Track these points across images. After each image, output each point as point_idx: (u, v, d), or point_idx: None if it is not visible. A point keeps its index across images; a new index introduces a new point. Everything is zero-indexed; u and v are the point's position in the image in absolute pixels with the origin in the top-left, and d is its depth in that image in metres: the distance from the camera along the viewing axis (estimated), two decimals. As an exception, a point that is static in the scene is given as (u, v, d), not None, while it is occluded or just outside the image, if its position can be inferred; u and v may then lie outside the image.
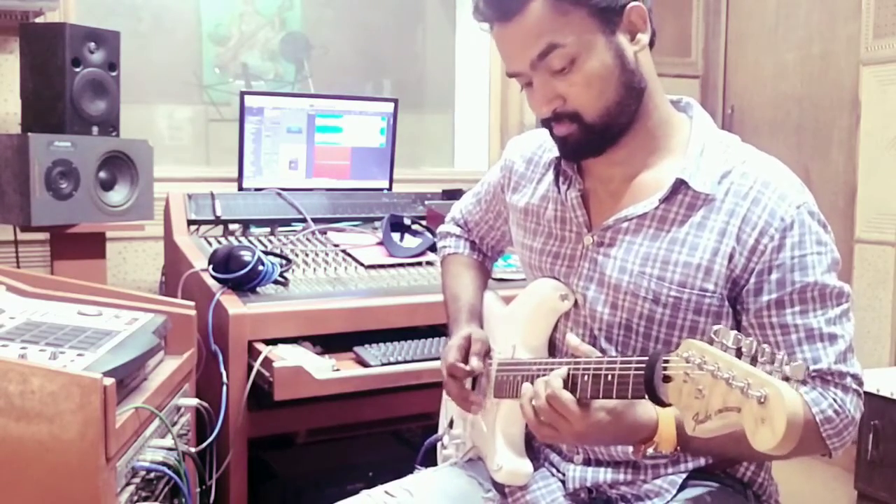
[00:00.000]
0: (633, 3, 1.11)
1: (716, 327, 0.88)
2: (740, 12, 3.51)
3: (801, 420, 0.76)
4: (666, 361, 0.93)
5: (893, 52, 2.76)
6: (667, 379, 0.92)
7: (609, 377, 1.01)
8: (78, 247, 2.18)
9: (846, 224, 2.90)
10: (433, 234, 2.31)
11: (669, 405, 0.93)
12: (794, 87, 3.25)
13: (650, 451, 1.07)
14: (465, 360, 1.30)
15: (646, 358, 0.96)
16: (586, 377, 1.03)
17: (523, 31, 1.09)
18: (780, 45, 3.30)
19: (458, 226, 1.59)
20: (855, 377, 1.10)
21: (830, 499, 2.68)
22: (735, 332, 0.86)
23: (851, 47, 2.95)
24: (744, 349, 0.84)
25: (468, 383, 1.32)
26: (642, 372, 0.96)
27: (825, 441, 1.09)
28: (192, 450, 1.56)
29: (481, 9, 1.13)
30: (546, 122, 1.17)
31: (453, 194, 2.60)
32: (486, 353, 1.31)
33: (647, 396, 0.95)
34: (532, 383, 1.13)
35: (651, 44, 1.16)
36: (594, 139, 1.14)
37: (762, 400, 0.78)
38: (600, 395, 1.02)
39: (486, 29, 1.15)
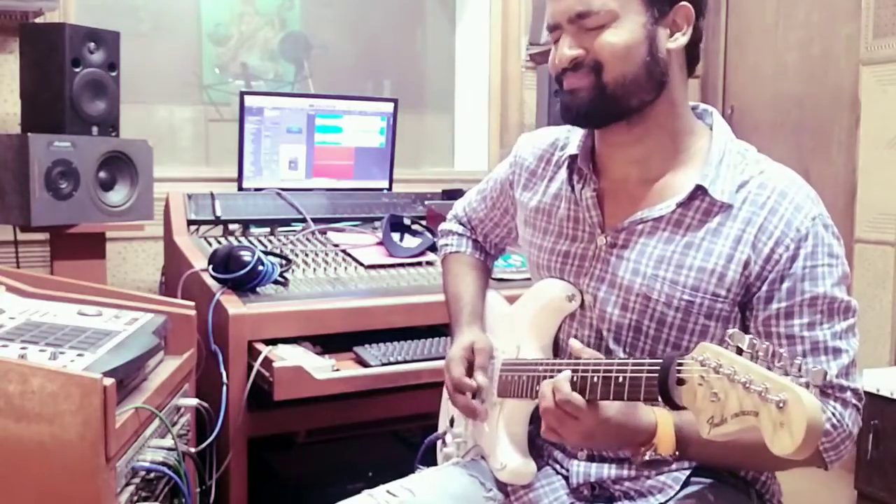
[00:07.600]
0: (683, 3, 1.13)
1: (730, 331, 0.88)
2: (740, 12, 3.51)
3: (820, 425, 0.77)
4: (680, 364, 0.93)
5: (893, 52, 2.76)
6: (680, 382, 0.92)
7: (620, 379, 1.00)
8: (78, 247, 2.17)
9: (846, 224, 2.89)
10: (433, 234, 2.31)
11: (683, 408, 0.93)
12: (794, 87, 3.25)
13: (649, 454, 1.07)
14: (470, 373, 1.30)
15: (659, 360, 0.96)
16: (596, 379, 1.03)
17: None
18: (780, 45, 3.30)
19: (461, 224, 1.59)
20: (855, 392, 1.11)
21: (830, 499, 2.67)
22: (749, 336, 0.86)
23: (851, 47, 2.95)
24: (760, 353, 0.84)
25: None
26: (655, 374, 0.95)
27: (821, 454, 1.10)
28: (192, 450, 1.56)
29: None
30: (560, 76, 1.17)
31: (453, 194, 2.60)
32: (490, 362, 1.31)
33: (660, 399, 0.95)
34: (538, 384, 1.13)
35: (691, 64, 1.18)
36: (601, 103, 1.14)
37: (781, 405, 0.78)
38: (611, 397, 1.02)
39: None
